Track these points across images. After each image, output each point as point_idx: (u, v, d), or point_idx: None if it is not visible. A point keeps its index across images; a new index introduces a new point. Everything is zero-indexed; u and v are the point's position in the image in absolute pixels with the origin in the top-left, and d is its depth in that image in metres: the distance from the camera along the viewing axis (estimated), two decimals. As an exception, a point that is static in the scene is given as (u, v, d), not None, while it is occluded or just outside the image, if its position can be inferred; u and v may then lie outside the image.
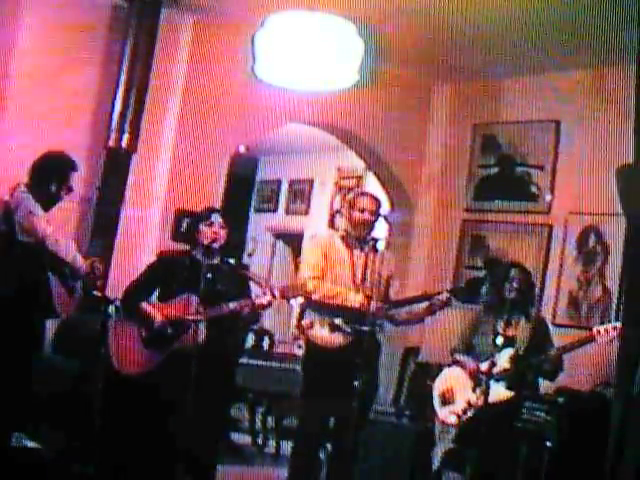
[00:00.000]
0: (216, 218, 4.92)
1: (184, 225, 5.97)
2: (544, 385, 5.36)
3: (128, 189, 6.22)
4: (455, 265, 7.31)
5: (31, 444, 4.89)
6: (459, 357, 5.35)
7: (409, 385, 6.93)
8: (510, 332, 5.20)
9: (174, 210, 6.28)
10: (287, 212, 10.59)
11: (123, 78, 6.13)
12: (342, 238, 5.15)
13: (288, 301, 4.86)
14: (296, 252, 9.75)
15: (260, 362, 7.40)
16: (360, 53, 4.69)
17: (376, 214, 5.11)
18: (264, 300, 4.76)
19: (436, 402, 5.29)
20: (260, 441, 7.41)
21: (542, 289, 6.61)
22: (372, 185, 7.94)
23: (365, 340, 4.77)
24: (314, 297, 4.95)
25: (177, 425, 4.56)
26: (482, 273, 6.64)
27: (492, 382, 4.97)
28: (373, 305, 4.83)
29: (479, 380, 5.11)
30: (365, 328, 4.76)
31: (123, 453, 4.76)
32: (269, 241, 10.80)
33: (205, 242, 4.86)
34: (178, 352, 4.72)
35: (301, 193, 10.38)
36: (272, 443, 7.31)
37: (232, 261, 4.96)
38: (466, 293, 5.67)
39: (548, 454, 5.04)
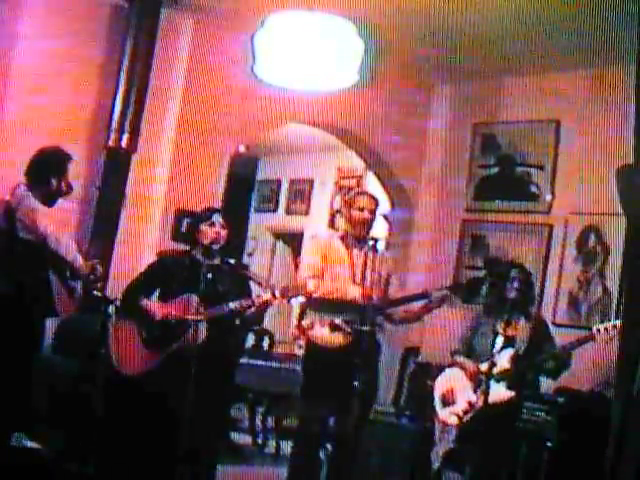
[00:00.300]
0: (217, 218, 4.92)
1: (184, 225, 5.96)
2: (544, 385, 5.36)
3: (128, 189, 6.22)
4: (455, 265, 7.31)
5: (31, 444, 4.89)
6: (459, 358, 5.34)
7: (409, 385, 6.94)
8: (510, 332, 5.20)
9: (174, 210, 6.28)
10: (287, 212, 10.59)
11: (123, 78, 6.13)
12: (341, 238, 5.16)
13: (289, 301, 4.85)
14: (296, 252, 9.75)
15: (260, 362, 7.40)
16: (360, 53, 4.69)
17: (374, 213, 5.13)
18: (264, 299, 4.75)
19: (437, 403, 5.29)
20: (260, 441, 7.41)
21: (542, 289, 6.61)
22: (372, 185, 7.95)
23: (365, 340, 4.77)
24: (313, 295, 4.96)
25: (177, 425, 4.56)
26: (482, 273, 6.65)
27: (492, 382, 4.97)
28: (373, 302, 4.83)
29: (479, 381, 5.11)
30: (365, 328, 4.76)
31: (123, 453, 4.76)
32: (269, 241, 10.81)
33: (205, 242, 4.86)
34: (178, 352, 4.72)
35: (301, 193, 10.38)
36: (272, 443, 7.31)
37: (232, 261, 4.97)
38: (465, 292, 5.68)
39: (548, 454, 5.04)
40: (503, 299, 5.26)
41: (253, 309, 4.79)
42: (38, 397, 5.11)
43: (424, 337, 7.01)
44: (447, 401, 5.25)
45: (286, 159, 10.42)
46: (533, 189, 6.96)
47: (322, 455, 5.56)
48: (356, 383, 4.65)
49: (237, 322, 5.02)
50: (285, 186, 10.63)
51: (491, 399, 4.95)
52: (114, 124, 6.12)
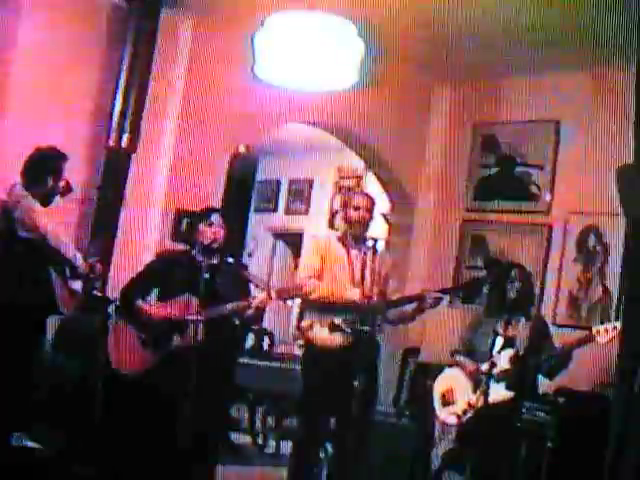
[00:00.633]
0: (215, 218, 4.91)
1: (183, 225, 5.97)
2: (544, 385, 5.36)
3: (128, 189, 6.22)
4: (455, 265, 7.31)
5: (31, 444, 4.89)
6: (459, 358, 5.34)
7: (409, 385, 6.94)
8: (510, 332, 5.20)
9: (174, 210, 6.28)
10: (287, 212, 10.59)
11: (123, 78, 6.12)
12: (340, 239, 5.16)
13: (284, 302, 4.85)
14: (296, 252, 9.75)
15: (260, 362, 7.40)
16: (360, 53, 4.69)
17: (371, 211, 5.14)
18: (260, 300, 4.75)
19: (436, 403, 5.29)
20: (260, 441, 7.40)
21: (542, 289, 6.61)
22: (372, 185, 7.95)
23: (364, 340, 4.77)
24: (312, 297, 4.96)
25: (177, 425, 4.56)
26: (482, 273, 6.66)
27: (492, 382, 4.98)
28: (372, 302, 4.83)
29: (479, 381, 5.11)
30: (365, 328, 4.76)
31: (123, 453, 4.76)
32: (269, 241, 10.81)
33: (204, 242, 4.85)
34: (176, 352, 4.72)
35: (301, 193, 10.39)
36: (272, 443, 7.31)
37: (231, 260, 4.96)
38: (465, 292, 5.68)
39: (548, 454, 5.04)
40: (503, 299, 5.27)
41: (251, 310, 4.79)
42: (38, 397, 5.10)
43: (424, 337, 7.01)
44: (447, 401, 5.25)
45: (286, 159, 10.42)
46: (533, 189, 6.96)
47: (322, 455, 5.56)
48: (356, 383, 4.65)
49: (236, 322, 5.03)
50: (285, 186, 10.63)
51: (491, 399, 4.96)
52: (114, 124, 6.11)
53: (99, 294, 5.08)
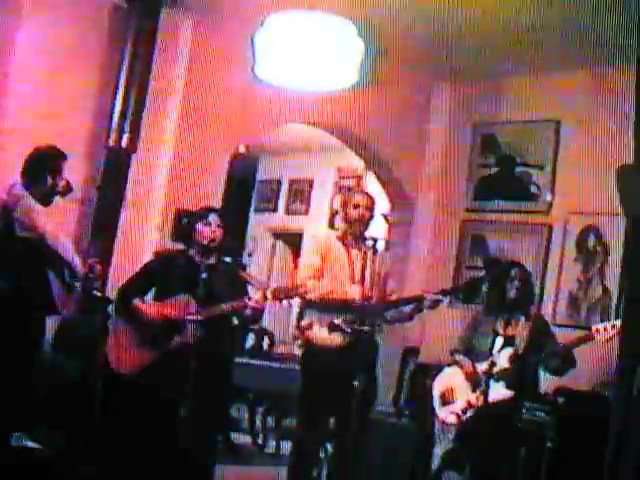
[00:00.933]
0: (213, 218, 4.91)
1: (181, 224, 5.96)
2: (544, 385, 5.36)
3: (128, 189, 6.22)
4: (455, 265, 7.32)
5: (31, 444, 4.89)
6: (458, 357, 5.34)
7: (409, 385, 6.94)
8: (510, 332, 5.20)
9: (174, 210, 6.28)
10: (287, 212, 10.59)
11: (123, 78, 6.13)
12: (340, 238, 5.17)
13: (280, 302, 4.84)
14: (296, 252, 9.75)
15: (260, 362, 7.40)
16: (360, 53, 4.69)
17: (371, 210, 5.15)
18: (256, 301, 4.75)
19: (436, 402, 5.29)
20: (260, 441, 7.40)
21: (542, 289, 6.61)
22: (372, 185, 7.95)
23: (364, 340, 4.77)
24: (309, 296, 4.96)
25: (176, 424, 4.56)
26: (482, 273, 6.65)
27: (492, 382, 4.98)
28: (372, 302, 4.83)
29: (478, 380, 5.11)
30: (364, 328, 4.76)
31: (123, 452, 4.76)
32: (269, 241, 10.81)
33: (202, 242, 4.85)
34: (173, 351, 4.72)
35: (301, 193, 10.39)
36: (272, 443, 7.31)
37: (228, 260, 4.96)
38: (465, 292, 5.68)
39: (548, 454, 5.04)
40: (503, 299, 5.27)
41: (247, 310, 4.78)
42: (38, 397, 5.10)
43: (424, 337, 7.01)
44: (446, 400, 5.25)
45: (286, 159, 10.42)
46: (533, 189, 6.96)
47: (322, 455, 5.56)
48: (356, 383, 4.65)
49: (235, 322, 5.03)
50: (285, 186, 10.63)
51: (490, 399, 4.96)
52: (114, 124, 6.11)
53: (99, 294, 5.08)
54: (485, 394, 4.95)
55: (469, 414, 5.11)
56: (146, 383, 4.70)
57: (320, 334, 4.97)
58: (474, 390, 5.13)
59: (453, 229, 7.36)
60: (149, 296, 4.97)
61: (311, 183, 10.26)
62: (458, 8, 5.66)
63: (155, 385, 4.67)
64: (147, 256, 5.75)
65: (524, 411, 5.14)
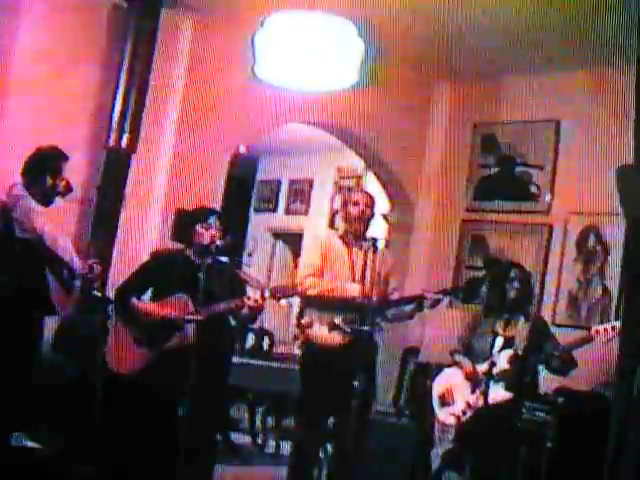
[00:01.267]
0: (213, 221, 4.91)
1: (180, 224, 5.95)
2: (544, 385, 5.36)
3: (128, 189, 6.21)
4: (455, 265, 7.32)
5: (31, 444, 4.89)
6: (458, 358, 5.34)
7: (409, 385, 6.94)
8: (509, 332, 5.20)
9: (174, 210, 6.28)
10: (287, 212, 10.59)
11: (123, 78, 6.12)
12: (341, 237, 5.18)
13: (279, 301, 4.84)
14: (296, 252, 9.75)
15: (260, 362, 7.40)
16: (360, 53, 4.69)
17: (371, 207, 5.16)
18: (254, 300, 4.75)
19: (435, 403, 5.29)
20: (260, 441, 7.40)
21: (542, 289, 6.61)
22: (372, 185, 7.95)
23: (364, 340, 4.77)
24: (310, 293, 4.97)
25: (175, 424, 4.57)
26: (482, 273, 6.66)
27: (491, 383, 4.97)
28: (372, 301, 4.83)
29: (478, 381, 5.11)
30: (365, 328, 4.76)
31: (123, 452, 4.76)
32: (269, 241, 10.81)
33: (200, 243, 4.85)
34: (172, 351, 4.72)
35: (301, 193, 10.39)
36: (272, 443, 7.31)
37: (225, 259, 4.95)
38: (465, 292, 5.67)
39: (548, 454, 5.03)
40: (503, 299, 5.27)
41: (246, 309, 4.79)
42: (38, 397, 5.10)
43: (424, 337, 7.01)
44: (445, 401, 5.25)
45: (286, 159, 10.42)
46: (533, 189, 6.96)
47: (322, 455, 5.56)
48: (356, 383, 4.65)
49: (233, 322, 5.03)
50: (285, 186, 10.63)
51: (490, 399, 4.96)
52: (114, 124, 6.11)
53: (99, 294, 5.08)
54: (485, 395, 4.95)
55: (468, 415, 5.11)
56: (145, 383, 4.70)
57: (320, 333, 4.97)
58: (474, 391, 5.13)
59: (453, 229, 7.36)
60: (146, 296, 4.98)
61: (311, 183, 10.26)
62: (458, 8, 5.65)
63: (154, 385, 4.67)
64: (147, 256, 5.75)
65: (524, 411, 5.14)
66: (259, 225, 10.95)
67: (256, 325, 7.68)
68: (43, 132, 5.67)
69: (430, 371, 5.87)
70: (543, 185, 6.90)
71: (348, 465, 4.97)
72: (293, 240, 10.24)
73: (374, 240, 4.94)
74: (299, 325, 5.11)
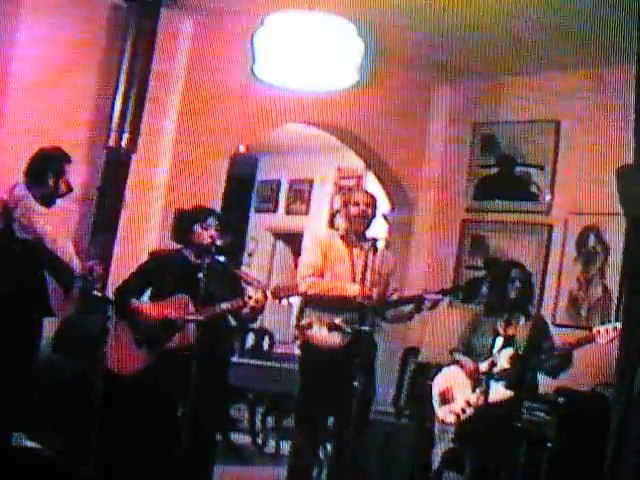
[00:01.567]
0: (212, 222, 4.91)
1: (179, 224, 5.95)
2: (544, 385, 5.36)
3: (128, 189, 6.21)
4: (455, 265, 7.31)
5: (31, 444, 4.89)
6: (458, 357, 5.34)
7: (409, 385, 6.93)
8: (510, 332, 5.20)
9: (174, 210, 6.27)
10: (287, 212, 10.59)
11: (123, 78, 6.12)
12: (342, 237, 5.18)
13: (279, 301, 4.84)
14: (296, 252, 9.73)
15: (260, 362, 7.40)
16: (360, 53, 4.69)
17: (372, 207, 5.16)
18: (256, 300, 4.75)
19: (435, 401, 5.29)
20: (260, 441, 7.40)
21: (542, 289, 6.61)
22: (372, 185, 7.94)
23: (364, 340, 4.77)
24: (310, 292, 4.97)
25: (175, 424, 4.56)
26: (482, 273, 6.65)
27: (492, 382, 4.97)
28: (372, 301, 4.83)
29: (478, 380, 5.11)
30: (365, 328, 4.76)
31: (123, 453, 4.76)
32: (269, 241, 10.81)
33: (198, 244, 4.85)
34: (172, 352, 4.72)
35: (301, 193, 10.39)
36: (272, 443, 7.31)
37: (222, 259, 4.95)
38: (465, 292, 5.67)
39: (548, 454, 5.03)
40: (503, 299, 5.27)
41: (247, 309, 4.78)
42: (38, 397, 5.10)
43: (424, 337, 7.01)
44: (445, 400, 5.25)
45: (286, 159, 10.42)
46: (533, 189, 6.96)
47: (322, 455, 5.56)
48: (356, 383, 4.65)
49: (233, 322, 5.03)
50: (285, 186, 10.63)
51: (490, 399, 4.95)
52: (114, 124, 6.11)
53: (99, 294, 5.08)
54: (485, 394, 4.95)
55: (468, 414, 5.11)
56: (146, 383, 4.70)
57: (320, 334, 4.97)
58: (474, 390, 5.13)
59: (453, 229, 7.35)
60: (146, 296, 4.98)
61: (311, 183, 10.26)
62: (458, 8, 5.65)
63: (154, 385, 4.67)
64: (147, 256, 5.75)
65: (524, 411, 5.15)
66: (259, 225, 10.95)
67: (256, 325, 7.69)
68: (43, 132, 5.68)
69: (430, 371, 5.87)
70: (543, 185, 6.90)
71: (348, 465, 4.97)
72: (293, 240, 10.24)
73: (374, 240, 4.94)
74: (298, 326, 5.11)
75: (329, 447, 5.45)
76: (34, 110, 5.83)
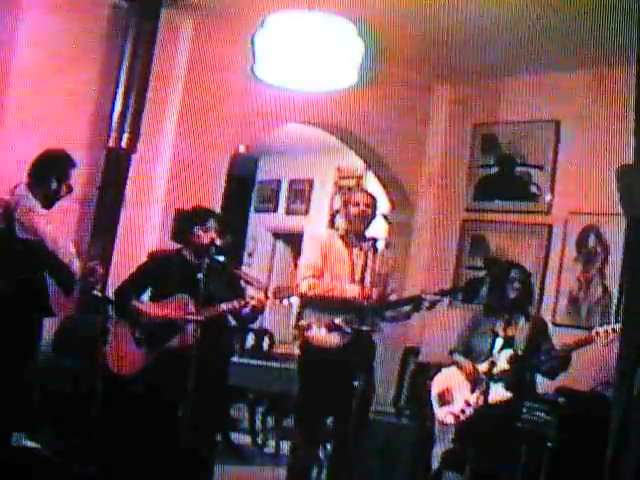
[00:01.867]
0: (212, 224, 4.91)
1: (179, 224, 5.95)
2: (544, 385, 5.35)
3: (128, 189, 6.22)
4: (455, 265, 7.31)
5: (31, 444, 4.89)
6: (457, 358, 5.34)
7: (409, 385, 6.93)
8: (509, 332, 5.20)
9: (174, 210, 6.28)
10: (287, 212, 10.59)
11: (123, 78, 6.13)
12: (341, 237, 5.18)
13: (281, 301, 4.84)
14: (296, 252, 9.74)
15: (260, 362, 7.40)
16: (360, 53, 4.69)
17: (372, 207, 5.16)
18: (257, 300, 4.75)
19: (434, 402, 5.29)
20: (260, 441, 7.40)
21: (542, 289, 6.61)
22: (372, 185, 7.94)
23: (363, 340, 4.77)
24: (310, 293, 4.97)
25: (174, 424, 4.57)
26: (482, 273, 6.65)
27: (491, 382, 4.97)
28: (371, 301, 4.83)
29: (477, 380, 5.11)
30: (364, 328, 4.76)
31: (123, 453, 4.76)
32: (269, 241, 10.81)
33: (198, 244, 4.85)
34: (172, 352, 4.72)
35: (301, 193, 10.38)
36: (272, 443, 7.31)
37: (221, 259, 4.95)
38: (465, 292, 5.67)
39: (548, 454, 5.03)
40: (503, 299, 5.27)
41: (248, 309, 4.79)
42: (38, 397, 5.10)
43: (424, 337, 7.01)
44: (444, 400, 5.25)
45: (286, 159, 10.42)
46: (533, 189, 6.96)
47: (322, 455, 5.56)
48: (356, 383, 4.65)
49: (233, 322, 5.03)
50: (285, 186, 10.63)
51: (490, 399, 4.95)
52: (114, 124, 6.11)
53: (99, 294, 5.08)
54: (485, 394, 4.95)
55: (467, 414, 5.11)
56: (146, 383, 4.70)
57: (319, 334, 4.97)
58: (473, 390, 5.13)
59: (453, 229, 7.35)
60: (146, 296, 4.98)
61: (311, 183, 10.26)
62: (458, 8, 5.65)
63: (154, 385, 4.67)
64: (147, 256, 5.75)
65: (524, 411, 5.14)
66: (259, 225, 10.95)
67: (256, 325, 7.68)
68: (43, 132, 5.68)
69: (430, 371, 5.87)
70: (543, 185, 6.90)
71: (348, 465, 4.97)
72: (293, 240, 10.24)
73: (374, 240, 4.94)
74: (297, 327, 5.11)
75: (329, 447, 5.44)
76: (34, 110, 5.83)
